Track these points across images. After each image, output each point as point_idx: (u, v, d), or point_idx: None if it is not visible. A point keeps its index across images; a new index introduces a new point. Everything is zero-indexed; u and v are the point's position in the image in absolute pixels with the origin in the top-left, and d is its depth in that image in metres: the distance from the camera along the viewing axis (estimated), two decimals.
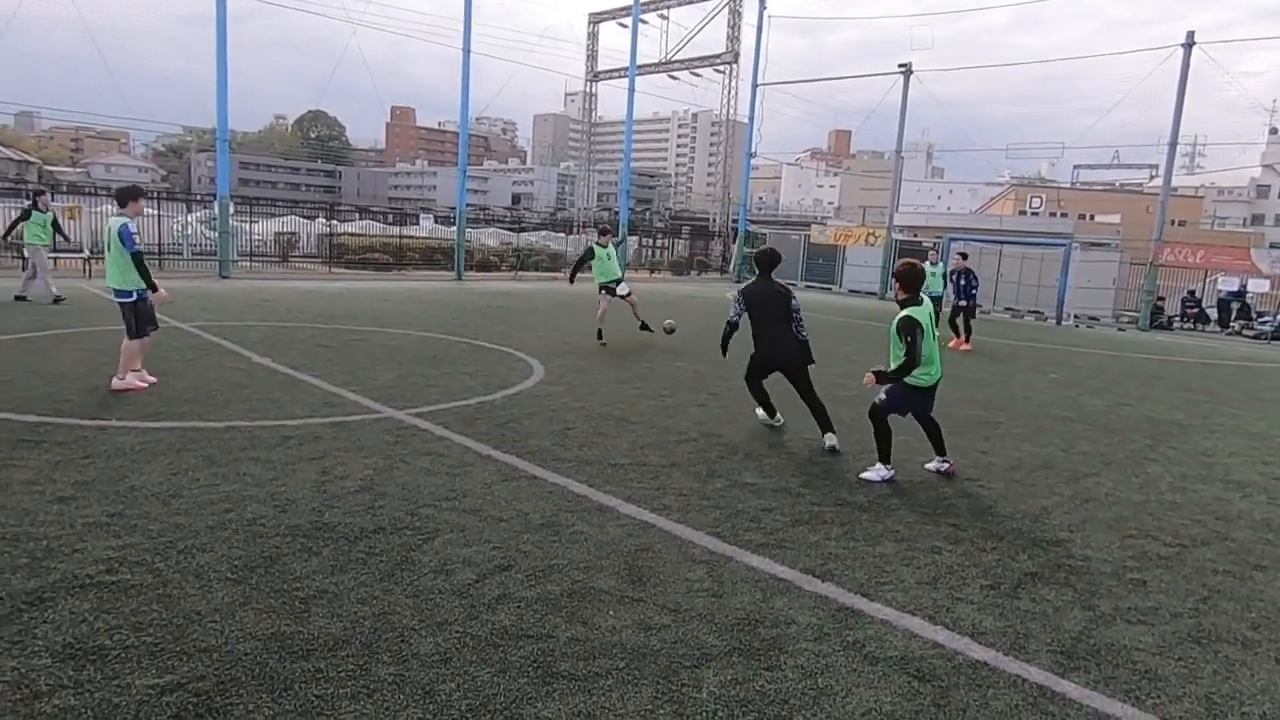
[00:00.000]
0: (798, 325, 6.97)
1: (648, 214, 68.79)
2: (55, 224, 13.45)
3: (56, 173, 78.45)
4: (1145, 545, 4.86)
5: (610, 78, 40.42)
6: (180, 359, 8.68)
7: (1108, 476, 6.38)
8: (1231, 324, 22.72)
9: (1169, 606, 4.02)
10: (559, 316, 15.42)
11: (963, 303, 14.33)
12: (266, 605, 3.43)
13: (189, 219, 25.65)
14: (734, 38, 36.03)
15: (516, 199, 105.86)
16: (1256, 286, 22.58)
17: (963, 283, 14.38)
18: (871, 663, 3.28)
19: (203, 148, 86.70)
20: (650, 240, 39.86)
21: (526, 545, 4.25)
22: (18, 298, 12.65)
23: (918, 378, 5.78)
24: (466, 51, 23.99)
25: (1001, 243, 26.70)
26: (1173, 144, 22.28)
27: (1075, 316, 23.07)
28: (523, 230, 35.32)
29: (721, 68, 36.93)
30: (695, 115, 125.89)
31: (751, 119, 31.95)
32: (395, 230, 30.64)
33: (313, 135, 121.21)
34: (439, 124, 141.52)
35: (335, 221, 28.22)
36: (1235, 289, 23.11)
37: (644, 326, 12.14)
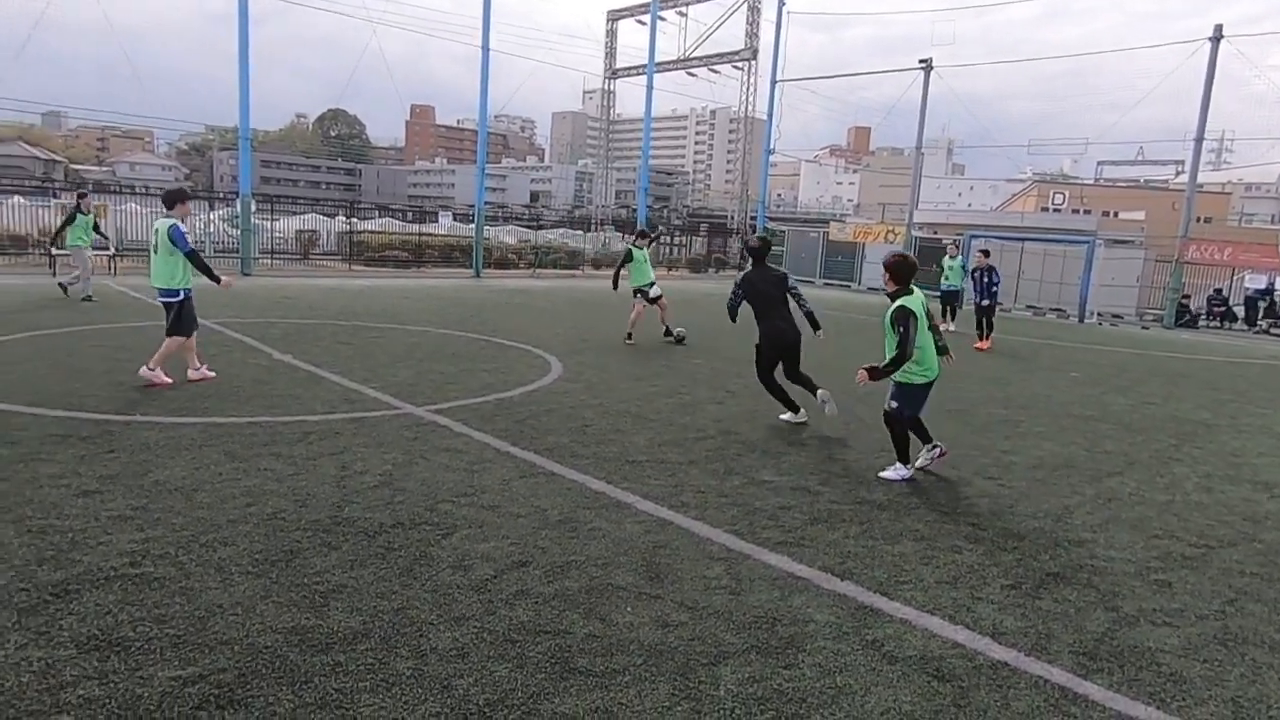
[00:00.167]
0: (799, 299, 7.39)
1: (666, 211, 68.74)
2: (95, 225, 13.76)
3: (83, 171, 79.54)
4: (1170, 546, 4.79)
5: (628, 75, 40.41)
6: (203, 355, 8.76)
7: (1132, 476, 6.30)
8: (1259, 322, 22.36)
9: (1194, 608, 3.95)
10: (577, 314, 15.44)
11: (985, 301, 14.15)
12: (287, 599, 3.46)
13: (212, 217, 25.94)
14: (753, 34, 35.91)
15: (535, 197, 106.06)
16: None
17: (986, 280, 14.18)
18: (890, 662, 3.26)
19: (225, 146, 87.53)
20: (668, 238, 39.83)
21: (544, 541, 4.25)
22: (86, 298, 12.82)
23: (919, 374, 5.62)
24: (485, 50, 24.06)
25: (1023, 239, 26.44)
26: (1199, 139, 21.94)
27: (1098, 314, 22.80)
28: (541, 228, 35.39)
29: (740, 64, 36.83)
30: (714, 112, 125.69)
31: (770, 116, 31.82)
32: (414, 228, 30.86)
33: (333, 134, 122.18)
34: (458, 122, 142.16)
35: (355, 219, 28.42)
36: (1263, 287, 22.75)
37: (668, 333, 12.06)
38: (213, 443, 5.61)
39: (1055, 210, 51.52)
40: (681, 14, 36.51)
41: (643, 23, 34.82)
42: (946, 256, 17.02)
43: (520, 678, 2.98)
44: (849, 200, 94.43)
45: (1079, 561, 4.45)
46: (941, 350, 5.88)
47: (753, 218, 34.88)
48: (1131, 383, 11.20)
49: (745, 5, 35.63)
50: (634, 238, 12.66)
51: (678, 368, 9.88)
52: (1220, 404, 9.89)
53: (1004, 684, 3.15)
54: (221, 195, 34.44)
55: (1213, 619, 3.85)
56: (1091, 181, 67.88)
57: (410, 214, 37.59)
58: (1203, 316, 23.13)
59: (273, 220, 26.46)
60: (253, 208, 21.80)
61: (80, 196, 14.01)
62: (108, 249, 17.05)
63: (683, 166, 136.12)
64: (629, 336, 11.65)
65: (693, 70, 38.45)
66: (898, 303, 5.62)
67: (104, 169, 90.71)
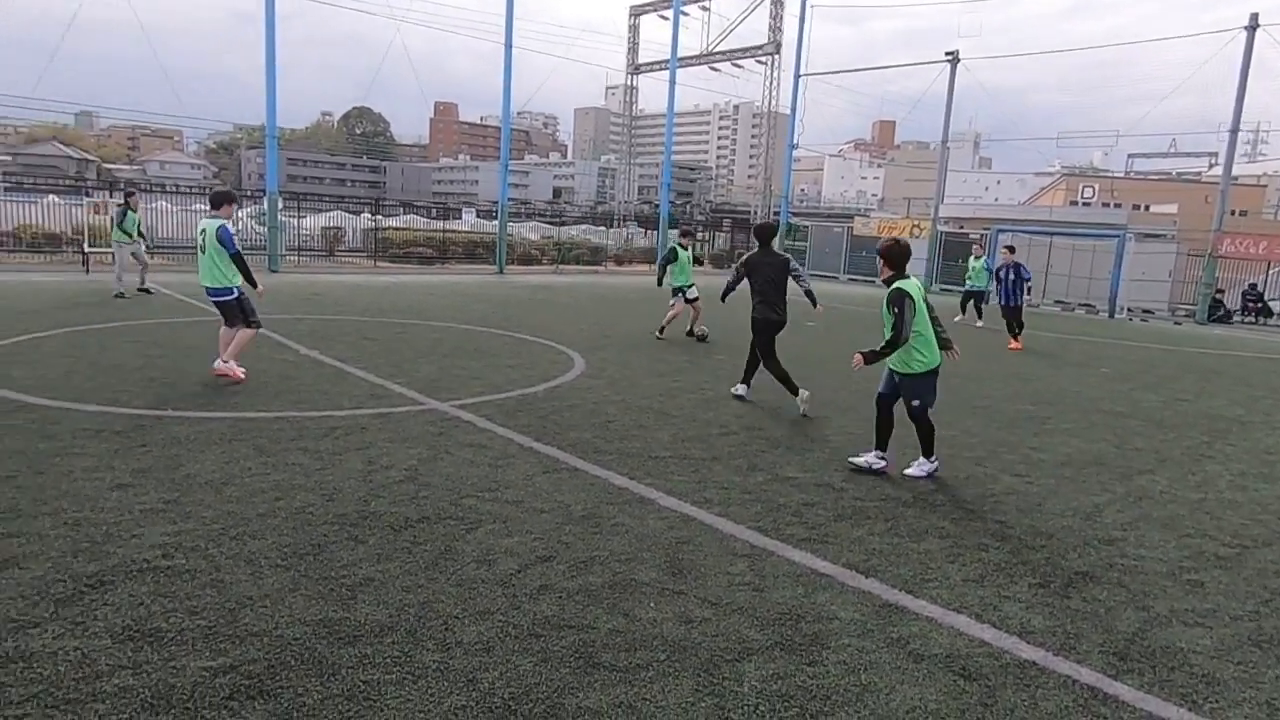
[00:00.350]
0: (800, 278, 8.03)
1: (688, 207, 68.57)
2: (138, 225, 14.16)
3: (114, 170, 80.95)
4: (1203, 545, 4.71)
5: (651, 70, 40.34)
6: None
7: (1163, 474, 6.20)
8: None
9: (1228, 609, 3.89)
10: (599, 310, 15.46)
11: (1011, 303, 13.57)
12: (315, 591, 3.50)
13: (239, 214, 26.29)
14: (776, 28, 35.67)
15: (557, 193, 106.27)
16: None
17: (1012, 277, 13.58)
18: (916, 660, 3.23)
19: (252, 145, 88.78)
20: (704, 236, 39.71)
21: (568, 536, 4.27)
22: (141, 289, 13.53)
23: (921, 362, 5.48)
24: (508, 46, 24.13)
25: (1051, 234, 26.06)
26: (1234, 130, 21.50)
27: (1128, 310, 22.42)
28: (563, 224, 35.47)
29: (763, 59, 36.62)
30: (737, 107, 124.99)
31: (794, 110, 31.62)
32: (438, 224, 31.02)
33: (358, 131, 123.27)
34: (481, 119, 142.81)
35: (380, 216, 28.63)
36: None
37: (690, 332, 12.03)
38: (242, 437, 5.69)
39: (1084, 204, 50.69)
40: (704, 9, 36.38)
41: (665, 17, 34.70)
42: (971, 256, 16.83)
43: (544, 672, 2.99)
44: (873, 195, 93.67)
45: (1109, 560, 4.39)
46: (944, 344, 5.72)
47: (775, 213, 34.69)
48: (1162, 379, 11.01)
49: None
50: (678, 236, 12.67)
51: (700, 364, 9.87)
52: (1254, 400, 9.70)
53: (1032, 683, 3.12)
54: (249, 193, 34.90)
55: (1247, 620, 3.78)
56: (1122, 174, 66.76)
57: (434, 211, 37.81)
58: (1237, 312, 22.67)
59: (299, 217, 26.77)
60: (280, 205, 22.07)
61: (128, 195, 14.40)
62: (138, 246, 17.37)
63: (705, 162, 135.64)
64: (660, 331, 11.63)
65: (716, 65, 38.29)
66: (893, 286, 5.53)
67: (135, 168, 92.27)
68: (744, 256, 7.92)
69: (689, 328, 12.07)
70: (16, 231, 20.81)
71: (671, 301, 11.97)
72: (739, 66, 38.39)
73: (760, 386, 8.49)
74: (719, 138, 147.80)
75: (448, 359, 9.17)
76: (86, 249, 17.60)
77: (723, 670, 3.07)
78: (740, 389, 7.96)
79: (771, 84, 36.95)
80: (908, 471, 5.71)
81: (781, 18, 35.51)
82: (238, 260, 7.49)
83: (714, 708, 2.84)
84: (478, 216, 36.32)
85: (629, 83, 42.40)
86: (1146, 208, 47.91)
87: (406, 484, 4.93)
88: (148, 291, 13.59)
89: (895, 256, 5.66)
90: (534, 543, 4.16)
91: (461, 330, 11.58)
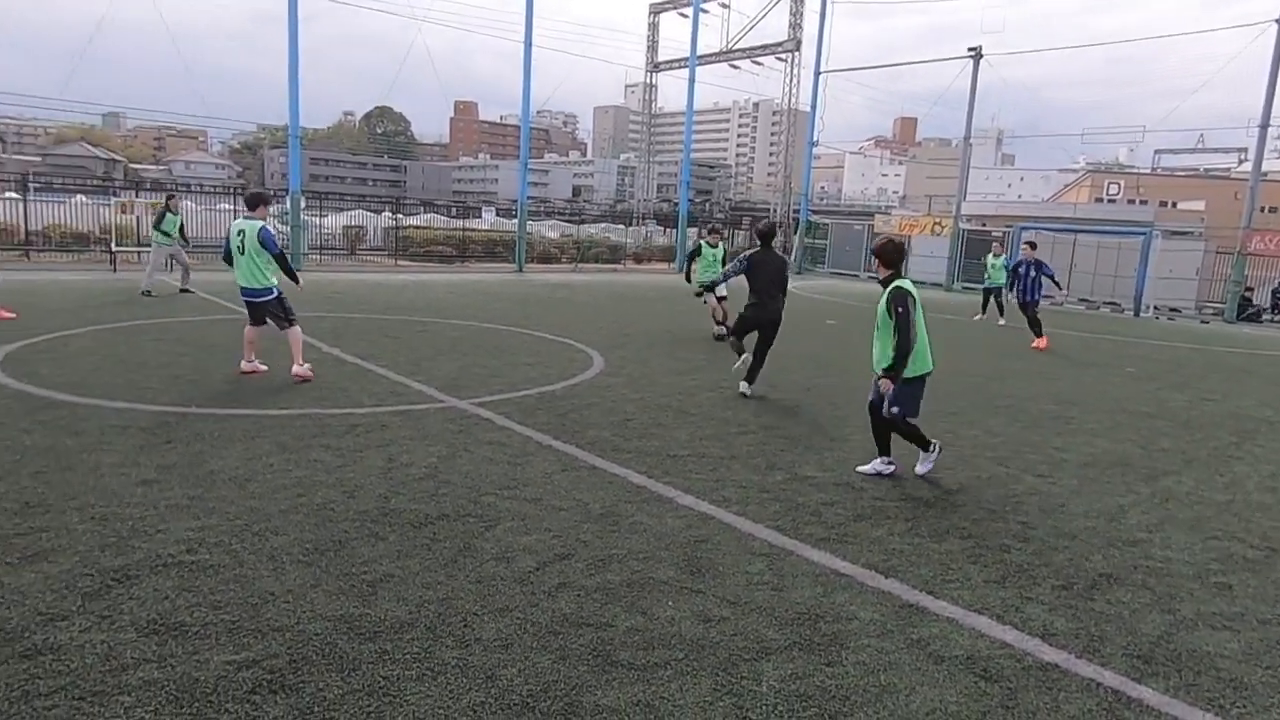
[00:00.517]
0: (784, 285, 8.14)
1: (707, 205, 68.42)
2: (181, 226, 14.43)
3: (140, 170, 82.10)
4: (1230, 547, 4.64)
5: (670, 68, 40.22)
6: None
7: (1189, 475, 6.10)
8: None
9: (1256, 612, 3.82)
10: (618, 308, 15.47)
11: (1029, 300, 13.42)
12: (336, 587, 3.54)
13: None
14: (796, 25, 35.45)
15: (576, 191, 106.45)
16: None
17: (1032, 274, 13.45)
18: (936, 661, 3.21)
19: (275, 144, 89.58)
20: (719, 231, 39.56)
21: (586, 534, 4.28)
22: (184, 290, 13.77)
23: (910, 368, 5.27)
24: (528, 45, 24.18)
25: (1076, 231, 25.73)
26: (1264, 125, 21.09)
27: (1155, 308, 22.10)
28: (583, 222, 35.51)
29: (784, 56, 36.37)
30: (756, 104, 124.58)
31: (814, 107, 31.41)
32: (458, 223, 31.17)
33: (379, 131, 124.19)
34: (500, 118, 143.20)
35: (401, 215, 28.82)
36: None
37: (720, 323, 11.94)
38: (264, 434, 5.75)
39: (1110, 200, 50.01)
40: (724, 6, 36.19)
41: (685, 15, 34.59)
42: (990, 254, 16.68)
43: (563, 669, 3.00)
44: (894, 192, 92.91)
45: (1133, 562, 4.33)
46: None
47: (795, 210, 34.51)
48: (1189, 378, 10.84)
49: None
50: (705, 233, 12.59)
51: (718, 362, 9.84)
52: None
53: (1054, 686, 3.08)
54: (272, 192, 35.20)
55: (1275, 624, 3.71)
56: (1148, 171, 65.76)
57: (454, 209, 38.01)
58: (1266, 310, 22.27)
59: (321, 216, 26.99)
60: (302, 204, 22.27)
61: (169, 198, 14.77)
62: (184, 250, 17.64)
63: (725, 159, 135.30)
64: (722, 326, 11.19)
65: (735, 63, 38.11)
66: (893, 285, 5.35)
67: (160, 168, 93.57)
68: (749, 254, 7.98)
69: (716, 323, 12.00)
70: (46, 231, 21.15)
71: (704, 299, 11.85)
72: (759, 64, 38.19)
73: (780, 385, 8.45)
74: (739, 135, 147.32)
75: (467, 357, 9.22)
76: (114, 248, 17.87)
77: (741, 670, 3.07)
78: (745, 387, 7.97)
79: (791, 81, 36.71)
80: (919, 470, 5.64)
81: (802, 14, 35.28)
82: (280, 260, 7.60)
83: (732, 707, 2.83)
84: (497, 215, 36.42)
85: (648, 81, 42.31)
86: (1173, 204, 47.21)
87: (426, 481, 4.96)
88: (189, 292, 13.71)
89: (890, 255, 5.51)
90: (552, 540, 4.18)
91: (481, 328, 11.63)
